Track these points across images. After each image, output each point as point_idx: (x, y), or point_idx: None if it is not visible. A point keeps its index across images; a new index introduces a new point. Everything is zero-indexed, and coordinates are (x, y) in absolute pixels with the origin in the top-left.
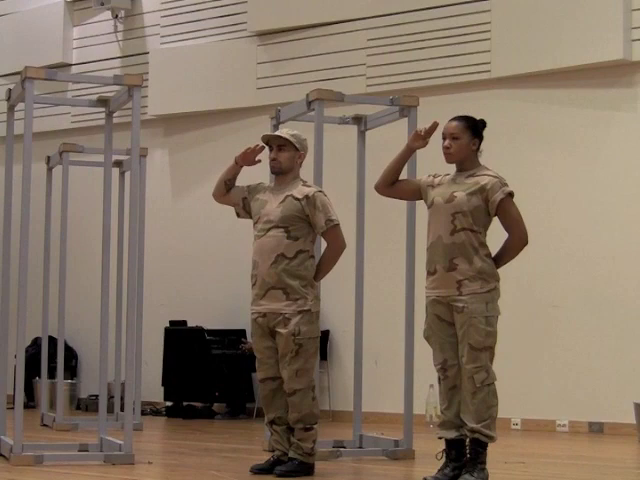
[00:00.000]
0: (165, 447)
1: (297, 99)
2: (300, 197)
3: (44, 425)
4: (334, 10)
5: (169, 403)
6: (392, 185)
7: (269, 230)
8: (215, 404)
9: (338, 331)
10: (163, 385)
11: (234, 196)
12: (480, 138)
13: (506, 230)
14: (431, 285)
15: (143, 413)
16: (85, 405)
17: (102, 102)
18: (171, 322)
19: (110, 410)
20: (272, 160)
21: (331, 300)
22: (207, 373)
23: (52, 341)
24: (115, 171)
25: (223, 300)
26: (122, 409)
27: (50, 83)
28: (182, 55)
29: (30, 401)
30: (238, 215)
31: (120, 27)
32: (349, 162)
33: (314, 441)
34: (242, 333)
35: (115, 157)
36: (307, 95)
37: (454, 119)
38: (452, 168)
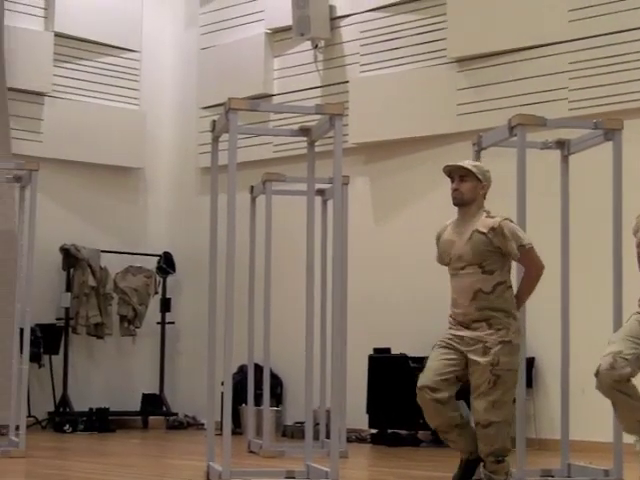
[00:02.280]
0: (371, 475)
1: (498, 124)
2: (486, 231)
3: (251, 452)
4: (535, 34)
5: (374, 430)
6: None
7: (463, 268)
8: (420, 432)
9: (544, 358)
10: (368, 412)
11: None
12: None
13: None
14: None
15: (348, 440)
16: (291, 432)
17: (304, 131)
18: (375, 349)
19: (315, 437)
20: (454, 191)
21: (536, 327)
22: (411, 400)
23: (258, 368)
24: (317, 199)
25: (426, 327)
26: (327, 436)
27: (252, 114)
28: (381, 83)
29: (237, 427)
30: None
31: (320, 57)
32: (552, 187)
33: (507, 473)
34: None
35: (317, 186)
36: (509, 120)
37: None
38: None
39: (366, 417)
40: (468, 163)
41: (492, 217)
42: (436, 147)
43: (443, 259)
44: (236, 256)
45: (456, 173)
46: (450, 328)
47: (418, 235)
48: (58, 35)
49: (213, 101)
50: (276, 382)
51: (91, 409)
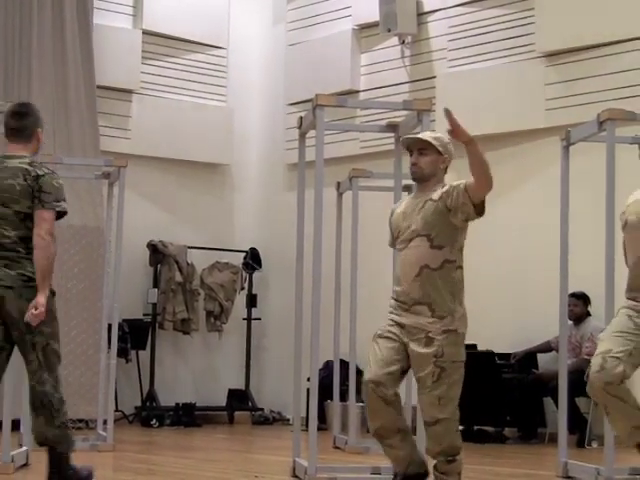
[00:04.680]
0: None
1: (587, 119)
2: (438, 197)
3: (336, 447)
4: (624, 28)
5: (460, 427)
6: None
7: (411, 240)
8: (506, 429)
9: None
10: None
11: None
12: None
13: None
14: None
15: None
16: None
17: (391, 127)
18: None
19: None
20: (412, 165)
21: None
22: (498, 397)
23: (344, 364)
24: (405, 195)
25: (513, 323)
26: (413, 432)
27: (339, 110)
28: (469, 78)
29: (322, 423)
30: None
31: (407, 52)
32: None
33: (459, 473)
34: (533, 356)
35: (404, 181)
36: (598, 115)
37: None
38: None
39: None
40: (428, 135)
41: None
42: (524, 142)
43: (394, 234)
44: (322, 252)
45: (415, 146)
46: (390, 312)
47: (507, 231)
48: (146, 33)
49: (300, 97)
50: (362, 378)
51: (177, 404)
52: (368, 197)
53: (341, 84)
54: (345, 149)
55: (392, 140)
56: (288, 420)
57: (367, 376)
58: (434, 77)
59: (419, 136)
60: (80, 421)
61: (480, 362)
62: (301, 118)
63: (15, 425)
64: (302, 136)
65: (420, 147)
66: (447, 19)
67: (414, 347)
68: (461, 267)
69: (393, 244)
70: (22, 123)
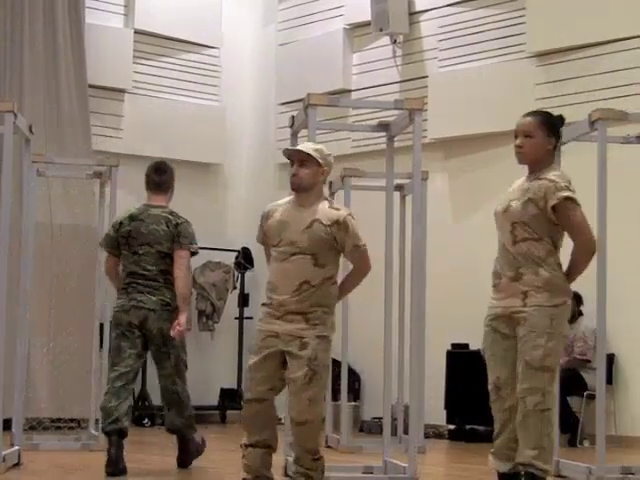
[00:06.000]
0: (448, 471)
1: (577, 119)
2: (329, 223)
3: (328, 447)
4: (614, 28)
5: (452, 426)
6: None
7: (293, 255)
8: None
9: (624, 355)
10: (445, 408)
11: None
12: (557, 137)
13: (571, 238)
14: (496, 296)
15: (426, 436)
16: (368, 427)
17: (383, 127)
18: (453, 345)
19: (393, 433)
20: (292, 176)
21: (617, 324)
22: (489, 397)
23: (336, 364)
24: (396, 195)
25: None
26: (405, 432)
27: (330, 109)
28: (460, 78)
29: None
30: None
31: (398, 52)
32: (634, 181)
33: (323, 471)
34: None
35: (396, 181)
36: (589, 115)
37: (527, 115)
38: None
39: (444, 413)
40: (309, 147)
41: (336, 209)
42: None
43: (270, 239)
44: None
45: (295, 157)
46: (261, 320)
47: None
48: (138, 32)
49: (292, 97)
50: (354, 377)
51: None
52: (360, 196)
53: (333, 83)
54: (337, 148)
55: (384, 139)
56: (280, 419)
57: (248, 395)
58: (426, 77)
59: (299, 148)
60: (72, 421)
61: (472, 361)
62: (293, 117)
63: (6, 425)
64: (294, 135)
65: (301, 158)
66: (439, 19)
67: (290, 349)
68: (336, 282)
69: (263, 242)
70: (162, 178)
